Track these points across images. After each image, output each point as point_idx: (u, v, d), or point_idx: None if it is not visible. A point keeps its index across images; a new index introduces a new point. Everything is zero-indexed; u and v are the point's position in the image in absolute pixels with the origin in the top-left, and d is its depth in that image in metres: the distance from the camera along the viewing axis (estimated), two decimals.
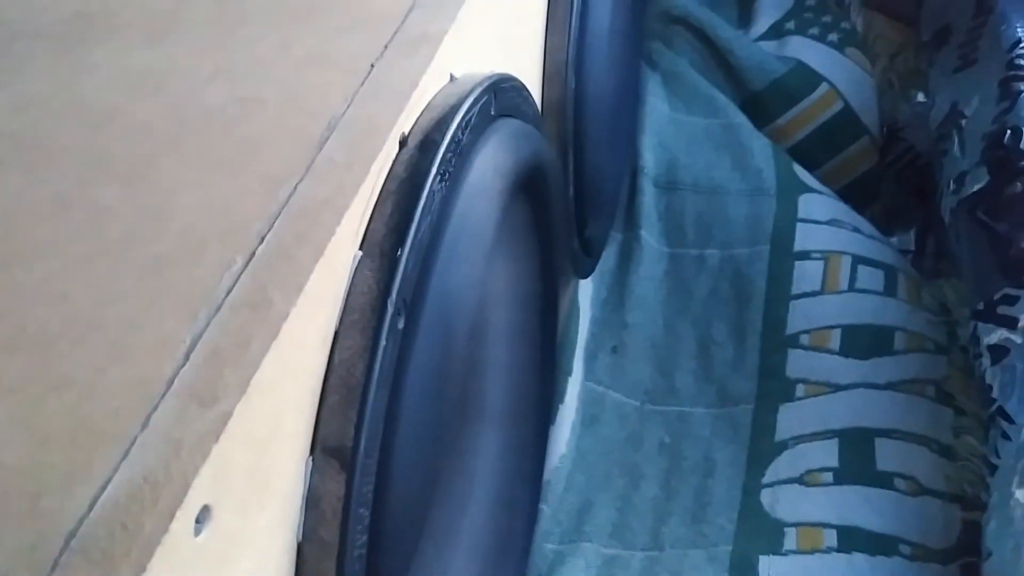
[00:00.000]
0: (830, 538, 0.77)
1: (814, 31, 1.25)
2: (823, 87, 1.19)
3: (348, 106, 0.44)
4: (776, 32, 1.26)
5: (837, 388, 0.90)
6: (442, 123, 0.45)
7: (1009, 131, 0.80)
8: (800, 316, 0.97)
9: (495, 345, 0.68)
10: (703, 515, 0.84)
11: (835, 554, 0.76)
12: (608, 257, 1.04)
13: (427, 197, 0.42)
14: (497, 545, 0.68)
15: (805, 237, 1.03)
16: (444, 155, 0.43)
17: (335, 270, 0.39)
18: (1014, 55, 0.92)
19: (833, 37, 1.24)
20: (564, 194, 0.70)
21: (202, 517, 0.30)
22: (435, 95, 0.48)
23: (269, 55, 0.48)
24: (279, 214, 0.38)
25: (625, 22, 1.01)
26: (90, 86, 0.47)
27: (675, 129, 1.14)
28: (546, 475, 0.84)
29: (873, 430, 0.84)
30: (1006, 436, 0.69)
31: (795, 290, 0.99)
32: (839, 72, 1.20)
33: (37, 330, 0.33)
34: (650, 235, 1.06)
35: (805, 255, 1.01)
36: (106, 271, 0.36)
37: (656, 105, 1.16)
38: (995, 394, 0.70)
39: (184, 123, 0.44)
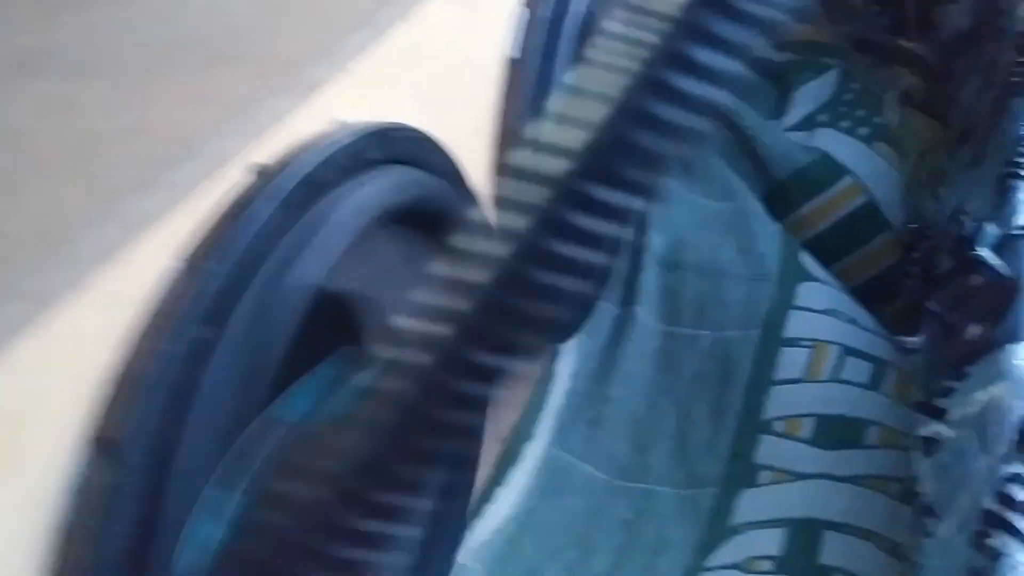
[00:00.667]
0: None
1: (845, 124, 1.24)
2: (847, 179, 1.19)
3: (209, 138, 0.48)
4: (808, 124, 1.26)
5: (798, 477, 0.87)
6: (296, 158, 0.48)
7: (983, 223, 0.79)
8: (778, 402, 0.95)
9: None
10: None
11: None
12: (599, 332, 1.05)
13: (255, 220, 0.45)
14: None
15: (797, 324, 1.01)
16: (287, 185, 0.46)
17: (143, 276, 0.42)
18: (1016, 151, 0.90)
19: (863, 131, 1.23)
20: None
21: None
22: (313, 136, 0.51)
23: (164, 94, 0.53)
24: (101, 222, 0.42)
25: None
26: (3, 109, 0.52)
27: (687, 210, 1.15)
28: (482, 535, 0.85)
29: (824, 522, 0.81)
30: (928, 533, 0.67)
31: (778, 376, 0.98)
32: (865, 165, 1.19)
33: None
34: (647, 312, 1.07)
35: (794, 342, 1.00)
36: None
37: (673, 189, 1.18)
38: (920, 488, 0.68)
39: (64, 144, 0.49)
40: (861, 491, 0.84)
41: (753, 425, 0.95)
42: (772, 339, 1.01)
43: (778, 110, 1.32)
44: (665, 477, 0.94)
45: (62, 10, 0.61)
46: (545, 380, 0.97)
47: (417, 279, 0.65)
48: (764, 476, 0.90)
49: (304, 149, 0.50)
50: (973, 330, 0.68)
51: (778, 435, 0.93)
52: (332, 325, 0.66)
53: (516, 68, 0.72)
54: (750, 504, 0.88)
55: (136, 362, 0.41)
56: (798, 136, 1.24)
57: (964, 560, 0.61)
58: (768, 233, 1.12)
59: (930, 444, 0.68)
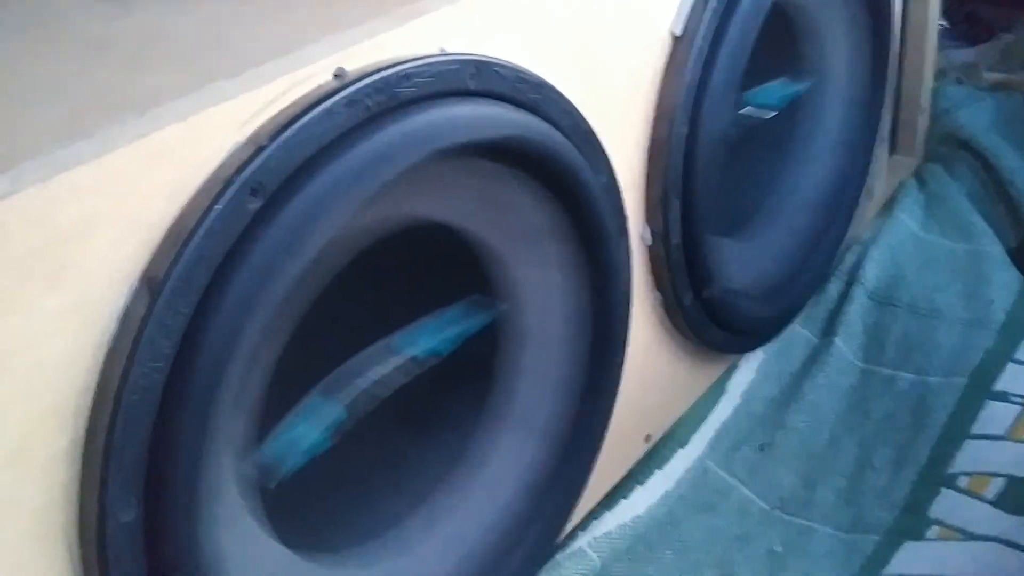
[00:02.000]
0: None
1: None
2: None
3: (304, 45, 0.51)
4: None
5: (970, 537, 0.77)
6: (379, 70, 0.51)
7: None
8: (969, 457, 0.85)
9: (533, 349, 0.69)
10: None
11: None
12: (793, 359, 0.99)
13: (325, 113, 0.48)
14: (481, 551, 0.68)
15: (1012, 378, 0.90)
16: (363, 89, 0.49)
17: (208, 142, 0.46)
18: None
19: None
20: (614, 210, 0.69)
21: None
22: (407, 56, 0.54)
23: (289, 16, 0.57)
24: (185, 96, 0.46)
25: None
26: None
27: (915, 248, 1.06)
28: (607, 525, 0.82)
29: None
30: None
31: (976, 430, 0.87)
32: None
33: None
34: (846, 346, 0.99)
35: (1003, 396, 0.89)
36: None
37: (903, 221, 1.09)
38: None
39: (197, 43, 0.54)
40: None
41: (935, 477, 0.85)
42: (979, 390, 0.90)
43: None
44: (828, 517, 0.87)
45: None
46: (713, 392, 0.93)
47: (535, 234, 0.66)
48: (933, 531, 0.80)
49: (391, 64, 0.52)
50: None
51: (959, 491, 0.83)
52: (460, 270, 0.68)
53: (679, 45, 0.70)
54: (910, 557, 0.78)
55: (187, 219, 0.45)
56: None
57: None
58: (1004, 280, 1.00)
59: None
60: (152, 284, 0.44)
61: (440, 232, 0.62)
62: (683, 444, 0.89)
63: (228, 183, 0.45)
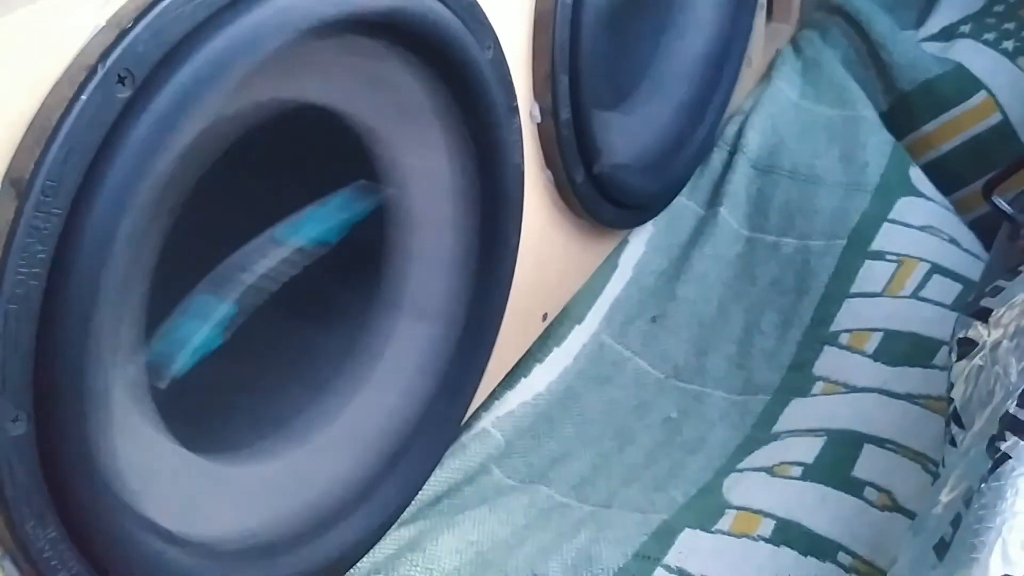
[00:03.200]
0: (765, 527, 0.70)
1: (989, 36, 1.12)
2: (981, 95, 1.08)
3: None
4: (947, 34, 1.15)
5: (852, 390, 0.81)
6: None
7: None
8: (849, 315, 0.89)
9: (423, 233, 0.68)
10: (663, 486, 0.79)
11: (762, 543, 0.69)
12: (680, 231, 1.01)
13: None
14: (384, 437, 0.68)
15: (887, 237, 0.94)
16: None
17: (66, 33, 0.42)
18: None
19: (1008, 45, 1.11)
20: (503, 87, 0.68)
21: None
22: None
23: None
24: None
25: None
26: None
27: (794, 115, 1.08)
28: (509, 404, 0.83)
29: (866, 436, 0.75)
30: (953, 442, 0.60)
31: (855, 289, 0.91)
32: (1004, 82, 1.08)
33: None
34: (731, 215, 1.01)
35: (879, 255, 0.92)
36: None
37: (782, 89, 1.10)
38: (953, 393, 0.61)
39: None
40: (913, 409, 0.77)
41: (818, 336, 0.89)
42: (857, 251, 0.93)
43: (919, 20, 1.21)
44: (720, 381, 0.90)
45: None
46: (606, 268, 0.94)
47: (419, 114, 0.64)
48: (818, 387, 0.84)
49: None
50: None
51: (841, 347, 0.86)
52: (343, 156, 0.66)
53: None
54: (797, 412, 0.82)
55: (45, 113, 0.42)
56: (934, 47, 1.14)
57: (978, 465, 0.54)
58: (878, 144, 1.03)
59: (968, 346, 0.61)
60: (18, 185, 0.41)
61: (320, 116, 0.60)
62: (579, 321, 0.90)
63: (92, 71, 0.42)
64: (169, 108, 0.44)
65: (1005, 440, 0.54)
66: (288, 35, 0.48)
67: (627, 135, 0.87)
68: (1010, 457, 0.52)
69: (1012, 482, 0.50)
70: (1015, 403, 0.55)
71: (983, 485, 0.52)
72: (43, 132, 0.42)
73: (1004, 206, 0.64)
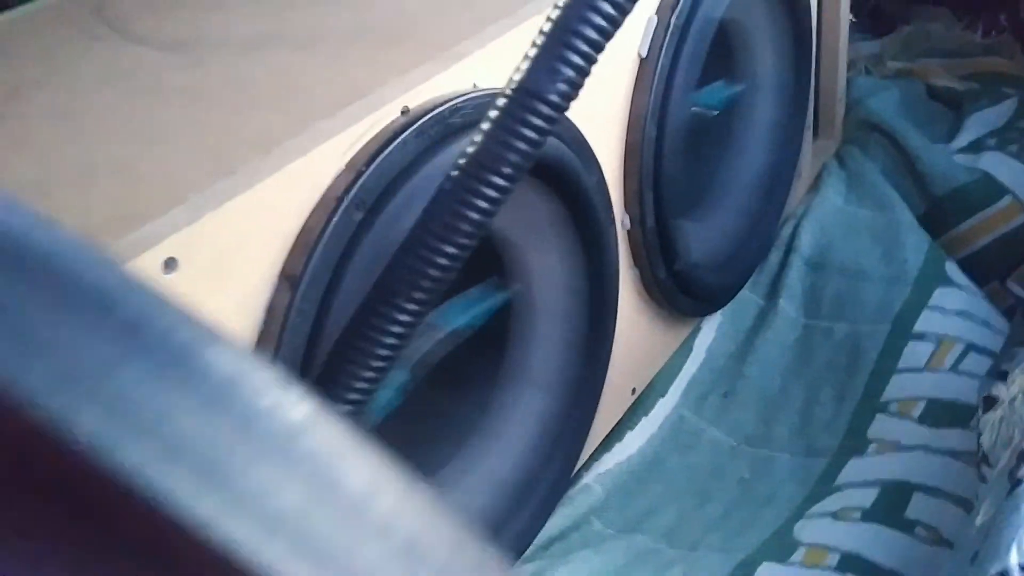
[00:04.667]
0: (832, 559, 0.84)
1: (1012, 148, 1.29)
2: (1007, 199, 1.23)
3: (375, 89, 0.66)
4: (975, 147, 1.32)
5: (901, 448, 0.95)
6: (434, 105, 0.66)
7: None
8: (897, 387, 1.03)
9: (542, 320, 0.85)
10: (741, 532, 0.93)
11: (830, 571, 0.83)
12: (745, 319, 1.16)
13: (400, 144, 0.63)
14: (509, 487, 0.84)
15: (927, 322, 1.08)
16: (427, 121, 0.64)
17: (323, 168, 0.60)
18: None
19: None
20: (605, 203, 0.85)
21: (170, 265, 0.53)
22: (454, 93, 0.69)
23: (354, 62, 0.72)
24: (296, 135, 0.61)
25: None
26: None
27: (840, 219, 1.24)
28: (607, 464, 0.98)
29: (915, 484, 0.89)
30: (983, 479, 0.74)
31: (901, 365, 1.05)
32: None
33: None
34: (789, 305, 1.17)
35: (921, 336, 1.07)
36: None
37: (829, 197, 1.27)
38: (982, 440, 0.75)
39: (281, 90, 0.69)
40: (954, 463, 0.91)
41: (871, 406, 1.03)
42: (901, 333, 1.08)
43: (949, 134, 1.37)
44: (785, 446, 1.04)
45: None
46: (683, 350, 1.10)
47: (541, 226, 0.82)
48: (871, 448, 0.98)
49: (443, 100, 0.67)
50: None
51: (891, 414, 1.01)
52: (482, 257, 0.83)
53: (645, 65, 0.87)
54: (854, 469, 0.96)
55: (308, 230, 0.60)
56: (964, 159, 1.30)
57: (1001, 492, 0.69)
58: (915, 243, 1.19)
59: (992, 402, 0.76)
60: (291, 280, 0.59)
61: None
62: (662, 395, 1.06)
63: (339, 201, 0.60)
64: (387, 227, 0.62)
65: (1020, 469, 0.68)
66: None
67: (700, 239, 1.04)
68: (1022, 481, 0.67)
69: None
70: None
71: (1003, 503, 0.66)
72: (307, 243, 0.60)
73: (1019, 291, 0.79)
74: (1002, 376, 0.76)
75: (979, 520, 0.71)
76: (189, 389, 0.16)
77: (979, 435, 0.77)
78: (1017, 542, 0.62)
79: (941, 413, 0.97)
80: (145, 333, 0.16)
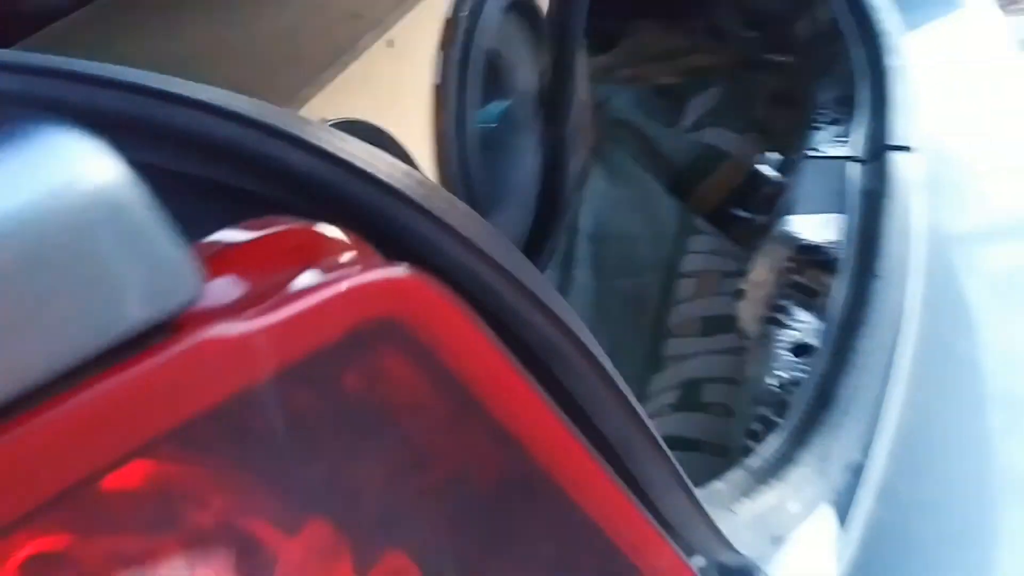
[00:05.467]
0: None
1: (725, 122, 1.61)
2: (728, 161, 1.55)
3: None
4: (697, 126, 1.63)
5: (689, 357, 1.22)
6: None
7: None
8: (677, 315, 1.30)
9: None
10: None
11: None
12: None
13: None
14: None
15: (688, 263, 1.37)
16: None
17: None
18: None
19: (738, 125, 1.60)
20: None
21: None
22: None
23: None
24: None
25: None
26: None
27: (608, 198, 1.52)
28: None
29: (703, 378, 1.16)
30: (744, 349, 1.01)
31: (677, 299, 1.33)
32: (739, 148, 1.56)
33: None
34: (581, 274, 1.42)
35: (686, 275, 1.35)
36: None
37: (597, 184, 1.54)
38: (740, 323, 1.02)
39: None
40: (728, 357, 1.18)
41: (660, 333, 1.29)
42: (671, 275, 1.36)
43: (677, 119, 1.69)
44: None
45: None
46: None
47: None
48: (668, 363, 1.24)
49: None
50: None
51: (677, 336, 1.27)
52: None
53: (439, 91, 1.09)
54: (659, 381, 1.22)
55: None
56: (691, 136, 1.61)
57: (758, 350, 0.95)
58: (668, 207, 1.48)
59: (741, 294, 1.03)
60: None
61: None
62: None
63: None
64: None
65: (766, 328, 0.95)
66: None
67: (504, 233, 1.27)
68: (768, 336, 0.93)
69: None
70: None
71: (759, 351, 0.92)
72: None
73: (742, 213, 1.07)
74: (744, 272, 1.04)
75: (747, 373, 0.97)
76: None
77: (737, 319, 1.04)
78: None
79: (713, 325, 1.25)
80: None
